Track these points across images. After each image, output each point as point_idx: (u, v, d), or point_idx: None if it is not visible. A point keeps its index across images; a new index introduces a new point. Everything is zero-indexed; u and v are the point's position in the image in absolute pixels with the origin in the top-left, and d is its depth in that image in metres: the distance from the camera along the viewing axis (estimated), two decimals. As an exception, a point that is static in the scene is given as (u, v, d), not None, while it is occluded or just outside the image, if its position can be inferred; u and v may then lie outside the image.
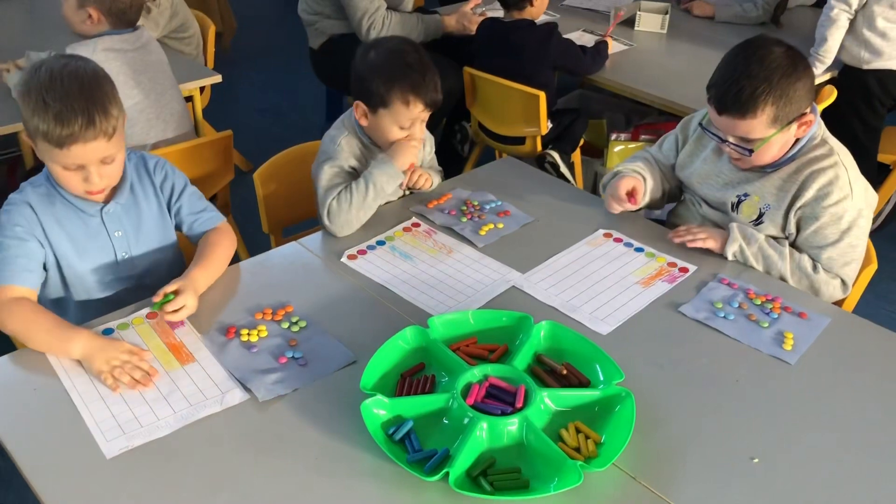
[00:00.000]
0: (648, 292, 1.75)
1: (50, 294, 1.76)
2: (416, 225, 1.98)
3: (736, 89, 1.72)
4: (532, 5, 3.05)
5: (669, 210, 2.17)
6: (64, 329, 1.55)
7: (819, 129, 1.85)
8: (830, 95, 2.96)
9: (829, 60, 3.11)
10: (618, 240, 1.93)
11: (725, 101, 1.75)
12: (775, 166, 1.85)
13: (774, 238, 1.87)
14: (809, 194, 1.80)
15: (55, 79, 1.54)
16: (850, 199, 1.79)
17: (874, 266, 1.87)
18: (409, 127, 1.93)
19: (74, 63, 1.59)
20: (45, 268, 1.70)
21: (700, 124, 1.95)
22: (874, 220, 3.41)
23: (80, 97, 1.54)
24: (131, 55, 2.46)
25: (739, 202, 1.90)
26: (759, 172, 1.88)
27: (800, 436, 1.40)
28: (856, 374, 1.54)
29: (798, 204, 1.82)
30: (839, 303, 1.88)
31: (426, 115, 1.93)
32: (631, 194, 1.96)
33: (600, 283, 1.79)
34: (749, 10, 3.64)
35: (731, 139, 1.81)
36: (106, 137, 1.57)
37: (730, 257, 1.85)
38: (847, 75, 3.17)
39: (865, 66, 3.11)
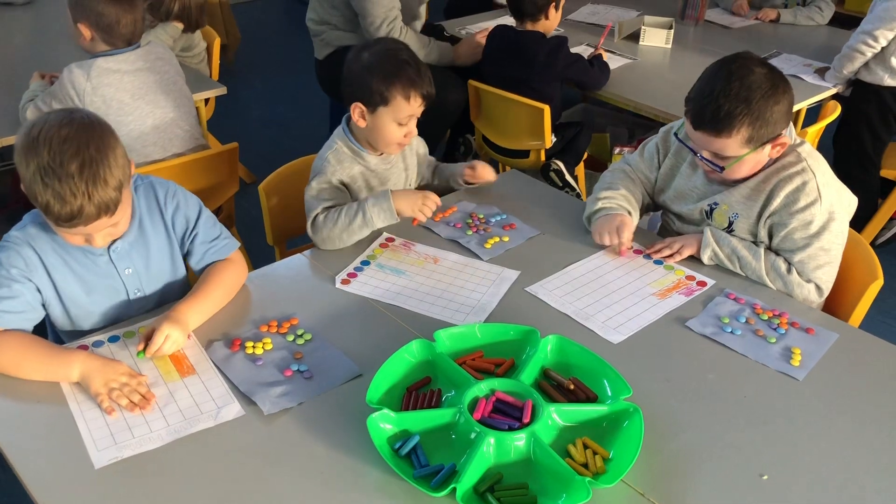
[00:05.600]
0: (664, 304, 1.75)
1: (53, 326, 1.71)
2: (391, 240, 1.97)
3: (714, 107, 1.72)
4: (547, 18, 3.06)
5: (657, 230, 2.18)
6: (60, 353, 1.52)
7: (788, 138, 1.85)
8: (834, 111, 2.96)
9: (839, 83, 3.15)
10: (638, 251, 1.93)
11: (702, 116, 1.76)
12: (743, 178, 1.87)
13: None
14: (777, 202, 1.82)
15: (55, 154, 1.41)
16: (819, 204, 1.80)
17: (880, 282, 1.86)
18: (406, 123, 1.96)
19: (74, 127, 1.44)
20: (43, 307, 1.62)
21: (675, 135, 1.97)
22: (880, 234, 3.43)
23: (81, 178, 1.41)
24: (130, 77, 2.38)
25: (711, 211, 1.93)
26: (728, 183, 1.90)
27: (809, 452, 1.39)
28: (864, 391, 1.54)
29: (767, 213, 1.84)
30: (844, 317, 1.87)
31: (421, 109, 1.97)
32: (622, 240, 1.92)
33: (616, 292, 1.79)
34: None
35: (704, 153, 1.83)
36: (109, 214, 1.48)
37: (706, 261, 1.88)
38: (863, 88, 3.18)
39: (885, 84, 3.12)
